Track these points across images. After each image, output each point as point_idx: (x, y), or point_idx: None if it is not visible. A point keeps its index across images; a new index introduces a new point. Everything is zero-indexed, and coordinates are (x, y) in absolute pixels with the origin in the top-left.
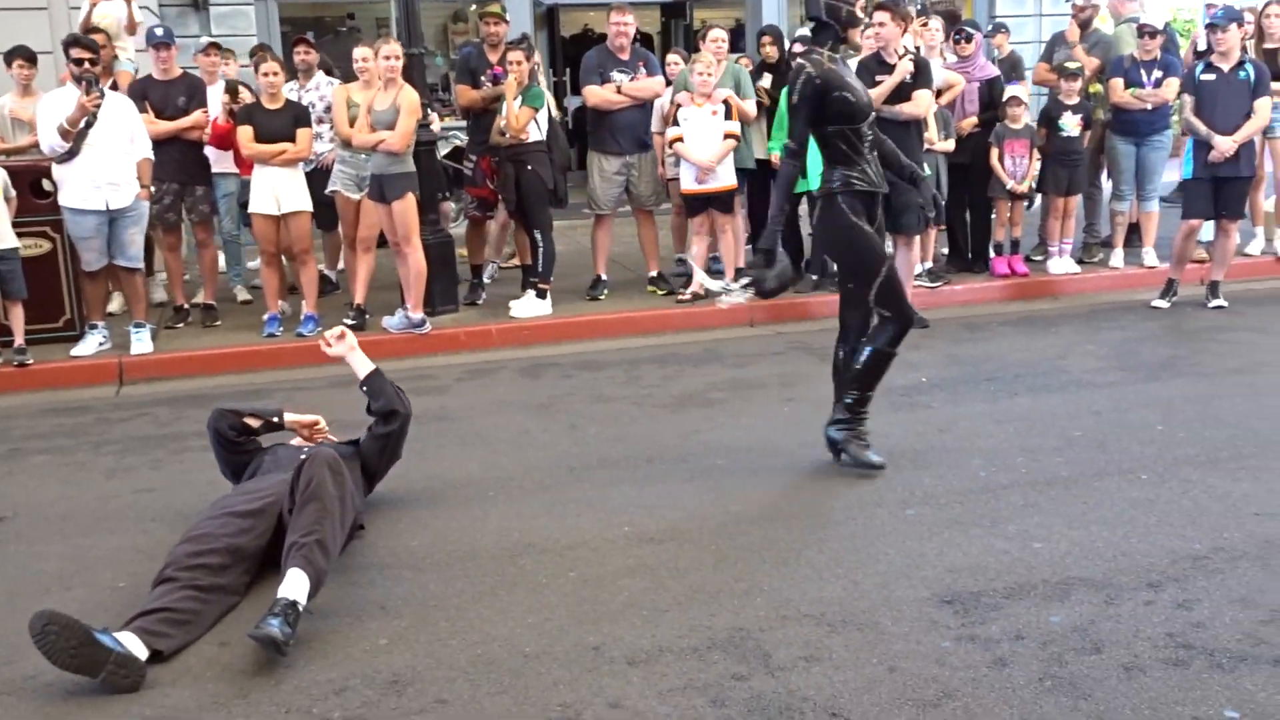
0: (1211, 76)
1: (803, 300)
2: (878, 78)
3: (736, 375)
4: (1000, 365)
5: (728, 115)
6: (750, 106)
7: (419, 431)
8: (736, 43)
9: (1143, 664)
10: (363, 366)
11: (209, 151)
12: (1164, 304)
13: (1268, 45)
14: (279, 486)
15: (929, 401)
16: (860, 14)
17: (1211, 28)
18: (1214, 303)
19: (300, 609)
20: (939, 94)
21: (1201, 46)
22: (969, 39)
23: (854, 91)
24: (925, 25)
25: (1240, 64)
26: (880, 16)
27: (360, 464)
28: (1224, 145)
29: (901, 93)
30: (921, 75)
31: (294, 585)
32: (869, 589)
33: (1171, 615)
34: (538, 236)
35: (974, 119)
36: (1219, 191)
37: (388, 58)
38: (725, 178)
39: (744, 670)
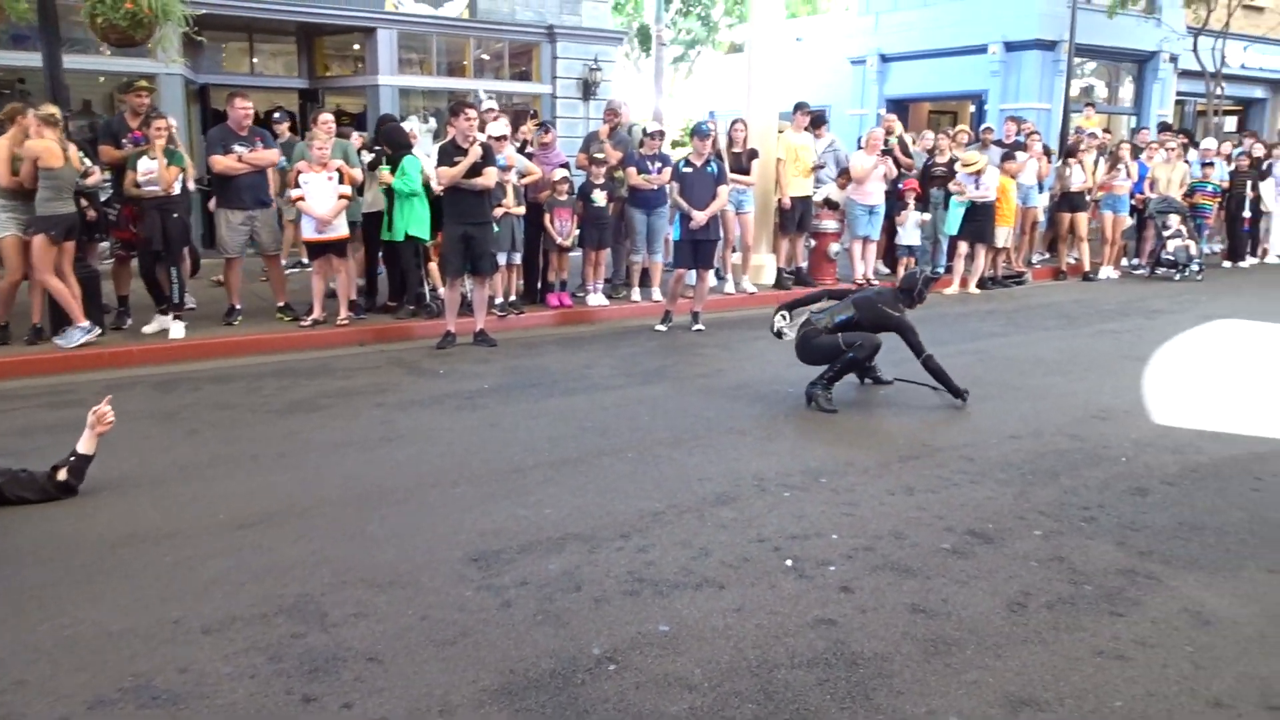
0: (690, 170)
1: (406, 324)
2: (455, 159)
3: (342, 385)
4: (544, 374)
5: (341, 180)
6: (357, 173)
7: (50, 441)
8: (363, 124)
9: (609, 596)
10: (89, 447)
11: None
12: (663, 328)
13: (735, 150)
14: None
15: (487, 403)
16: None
17: (693, 136)
18: (695, 327)
19: None
20: (522, 177)
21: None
22: (548, 130)
23: None
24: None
25: (708, 161)
26: (463, 114)
27: None
28: (699, 217)
29: (475, 170)
30: (488, 158)
31: None
32: (416, 553)
33: (634, 557)
34: (174, 272)
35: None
36: (697, 249)
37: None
38: (340, 229)
39: (303, 629)
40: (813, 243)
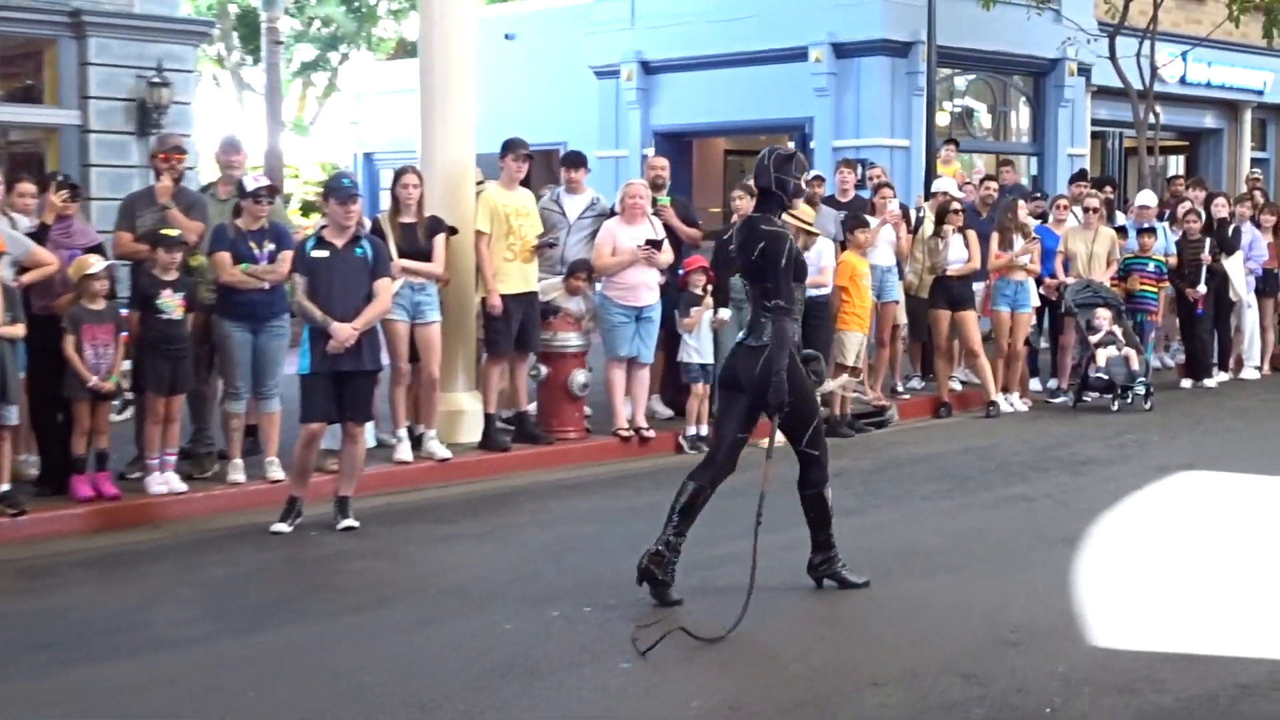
0: (325, 253)
1: None
2: None
3: None
4: (63, 624)
5: None
6: None
7: None
8: None
9: None
10: None
11: None
12: (285, 528)
13: (404, 218)
14: None
15: None
16: (805, 186)
17: (329, 196)
18: (343, 523)
19: None
20: (21, 271)
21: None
22: (75, 192)
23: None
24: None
25: (356, 239)
26: None
27: None
28: (342, 334)
29: None
30: None
31: None
32: None
33: None
34: None
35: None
36: (343, 390)
37: None
38: None
39: None
40: (543, 370)
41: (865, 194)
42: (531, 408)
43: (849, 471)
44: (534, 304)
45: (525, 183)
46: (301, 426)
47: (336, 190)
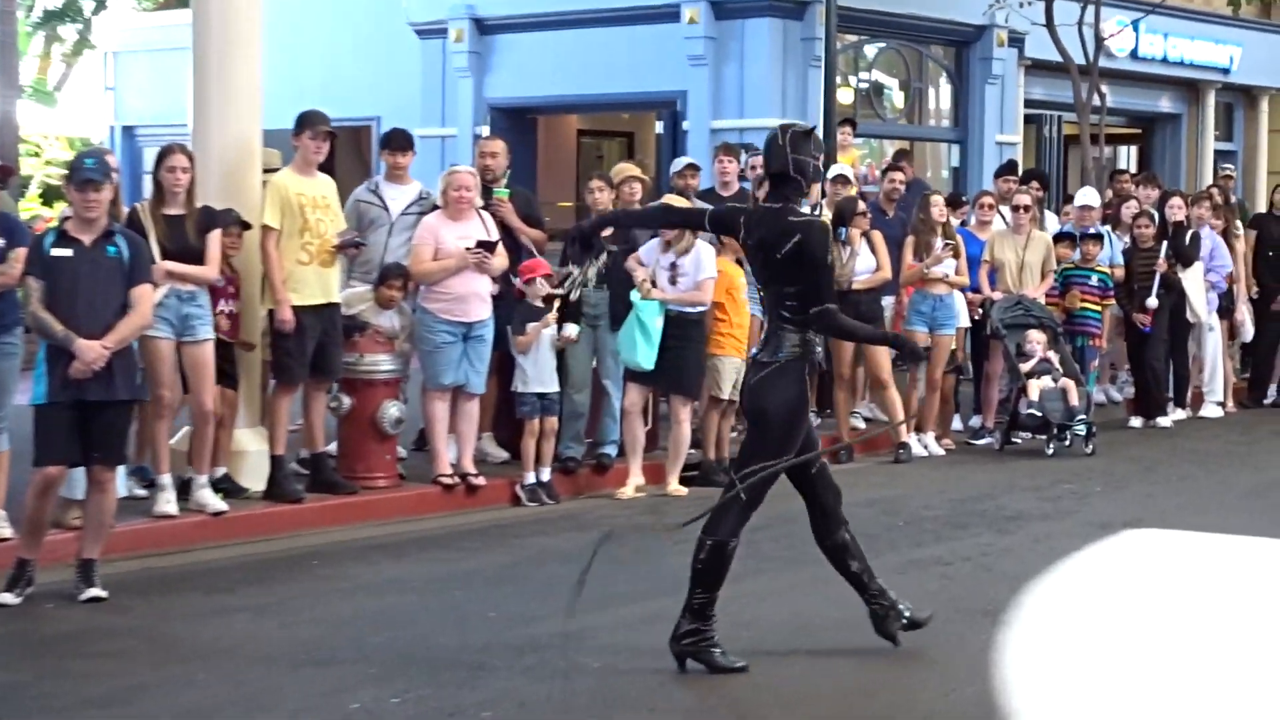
0: (68, 252)
1: None
2: None
3: None
4: None
5: None
6: None
7: None
8: None
9: None
10: None
11: None
12: (13, 599)
13: (169, 209)
14: None
15: None
16: (822, 169)
17: (71, 180)
18: (88, 593)
19: None
20: None
21: None
22: None
23: None
24: None
25: (108, 235)
26: None
27: None
28: (89, 354)
29: None
30: None
31: None
32: None
33: None
34: None
35: None
36: (89, 425)
37: None
38: None
39: None
40: (346, 401)
41: (749, 186)
42: (332, 448)
43: None
44: (335, 319)
45: (326, 168)
46: (35, 470)
47: (77, 171)
